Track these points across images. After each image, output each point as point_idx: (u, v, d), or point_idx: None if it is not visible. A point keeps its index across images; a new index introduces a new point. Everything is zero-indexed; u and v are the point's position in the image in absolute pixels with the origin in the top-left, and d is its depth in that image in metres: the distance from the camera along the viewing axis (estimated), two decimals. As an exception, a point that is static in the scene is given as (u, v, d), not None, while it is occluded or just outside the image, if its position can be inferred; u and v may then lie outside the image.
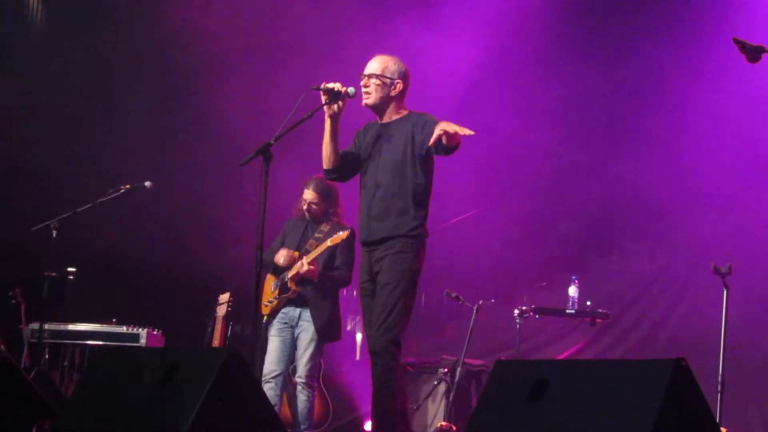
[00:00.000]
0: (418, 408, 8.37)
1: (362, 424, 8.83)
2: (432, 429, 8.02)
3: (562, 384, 4.23)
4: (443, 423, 7.70)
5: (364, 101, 6.21)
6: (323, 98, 6.12)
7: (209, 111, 10.01)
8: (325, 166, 6.33)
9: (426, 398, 8.38)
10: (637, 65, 10.06)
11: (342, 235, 7.39)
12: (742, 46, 4.57)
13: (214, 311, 8.46)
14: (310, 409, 7.62)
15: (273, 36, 9.87)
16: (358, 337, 10.20)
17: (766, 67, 5.22)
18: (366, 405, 8.68)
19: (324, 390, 8.57)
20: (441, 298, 9.40)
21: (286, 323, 7.66)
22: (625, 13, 10.20)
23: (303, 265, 7.46)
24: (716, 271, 7.00)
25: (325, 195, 7.69)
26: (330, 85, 6.10)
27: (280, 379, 7.58)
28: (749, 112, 9.26)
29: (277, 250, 7.77)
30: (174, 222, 10.06)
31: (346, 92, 6.12)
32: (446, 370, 8.28)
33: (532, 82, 10.20)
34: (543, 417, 4.16)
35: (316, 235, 7.65)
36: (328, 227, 7.66)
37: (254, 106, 9.29)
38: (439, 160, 6.17)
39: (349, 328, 10.42)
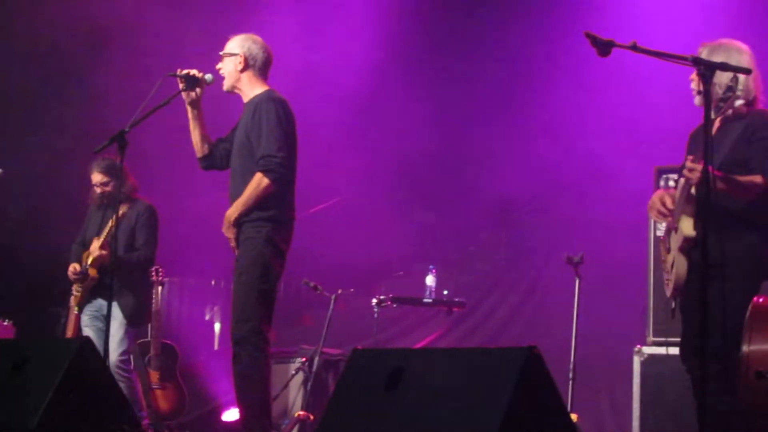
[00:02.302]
0: (275, 398, 8.34)
1: (220, 414, 8.76)
2: (289, 418, 8.00)
3: (417, 372, 4.26)
4: (301, 412, 7.69)
5: (224, 87, 6.19)
6: (180, 85, 6.07)
7: (68, 99, 9.79)
8: (197, 155, 6.28)
9: (284, 388, 8.34)
10: (500, 65, 10.22)
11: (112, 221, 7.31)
12: (594, 41, 4.65)
13: (68, 302, 8.30)
14: (131, 395, 7.55)
15: (138, 22, 9.68)
16: (217, 326, 10.12)
17: (621, 60, 5.37)
18: (224, 395, 8.64)
19: (180, 380, 8.50)
20: (299, 288, 9.38)
21: (95, 312, 7.59)
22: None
23: (96, 251, 7.41)
24: (569, 260, 7.17)
25: (112, 172, 7.59)
26: (186, 71, 6.04)
27: None
28: (601, 105, 9.50)
29: (79, 241, 7.72)
30: (28, 210, 9.81)
31: (203, 78, 6.07)
32: (304, 359, 8.26)
33: (399, 79, 10.31)
34: (398, 405, 4.18)
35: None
36: (126, 207, 7.59)
37: (116, 93, 9.12)
38: (301, 147, 6.16)
39: (207, 317, 10.34)
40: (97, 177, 7.62)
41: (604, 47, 4.67)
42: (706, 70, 4.56)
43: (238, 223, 5.93)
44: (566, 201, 9.83)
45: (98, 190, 7.66)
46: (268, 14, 9.32)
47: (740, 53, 5.13)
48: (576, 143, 9.68)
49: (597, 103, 9.50)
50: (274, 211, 5.93)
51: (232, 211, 5.93)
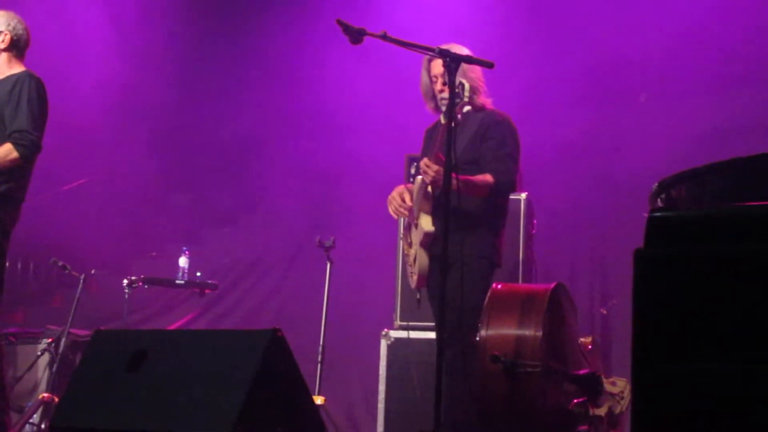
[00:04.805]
0: (20, 379, 8.11)
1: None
2: (33, 400, 7.78)
3: (160, 354, 4.24)
4: (45, 394, 7.49)
5: None
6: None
7: None
8: None
9: (29, 369, 8.11)
10: (263, 39, 10.23)
11: None
12: (345, 28, 4.72)
13: None
14: None
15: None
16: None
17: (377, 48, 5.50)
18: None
19: None
20: (48, 267, 9.13)
21: None
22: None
23: None
24: (320, 244, 7.26)
25: None
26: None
27: None
28: (356, 92, 9.66)
29: None
30: None
31: (-51, 48, 5.88)
32: (50, 340, 8.05)
33: (161, 62, 10.20)
34: (139, 387, 4.15)
35: None
36: None
37: None
38: (58, 128, 6.03)
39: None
40: None
41: (355, 35, 4.75)
42: (452, 62, 4.71)
43: None
44: (321, 185, 9.96)
45: None
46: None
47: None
48: (332, 129, 9.82)
49: (352, 89, 9.66)
50: (8, 188, 5.76)
51: None
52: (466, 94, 4.89)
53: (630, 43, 8.90)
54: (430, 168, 5.16)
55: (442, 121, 5.25)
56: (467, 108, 5.26)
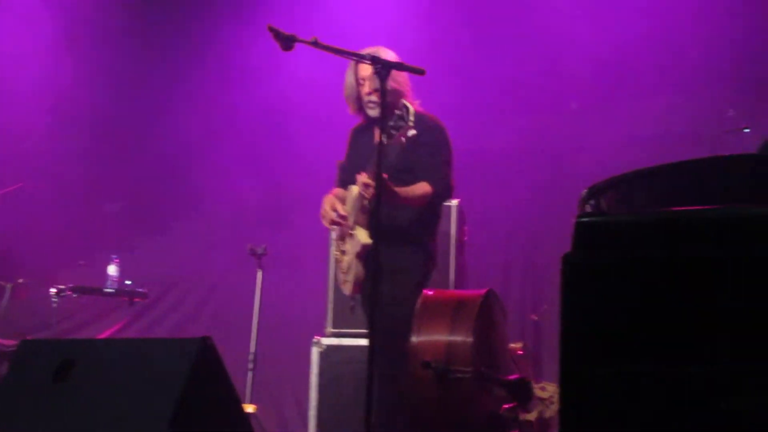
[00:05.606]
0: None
1: None
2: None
3: (89, 364, 4.17)
4: (-30, 406, 7.37)
5: None
6: None
7: None
8: None
9: (-46, 380, 7.99)
10: (202, 40, 10.20)
11: None
12: (276, 34, 4.70)
13: None
14: None
15: None
16: None
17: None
18: None
19: None
20: (-26, 277, 8.99)
21: None
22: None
23: None
24: (252, 252, 7.21)
25: None
26: None
27: None
28: (289, 99, 9.65)
29: None
30: None
31: None
32: (-24, 351, 7.94)
33: (93, 68, 10.14)
34: (67, 398, 4.08)
35: None
36: None
37: None
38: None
39: None
40: None
41: (286, 41, 4.74)
42: (383, 68, 4.70)
43: None
44: (253, 191, 9.91)
45: None
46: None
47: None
48: (269, 135, 9.80)
49: (291, 94, 9.65)
50: None
51: None
52: (411, 119, 4.84)
53: (567, 48, 8.97)
54: (369, 187, 5.08)
55: (378, 138, 5.21)
56: (411, 132, 5.14)
